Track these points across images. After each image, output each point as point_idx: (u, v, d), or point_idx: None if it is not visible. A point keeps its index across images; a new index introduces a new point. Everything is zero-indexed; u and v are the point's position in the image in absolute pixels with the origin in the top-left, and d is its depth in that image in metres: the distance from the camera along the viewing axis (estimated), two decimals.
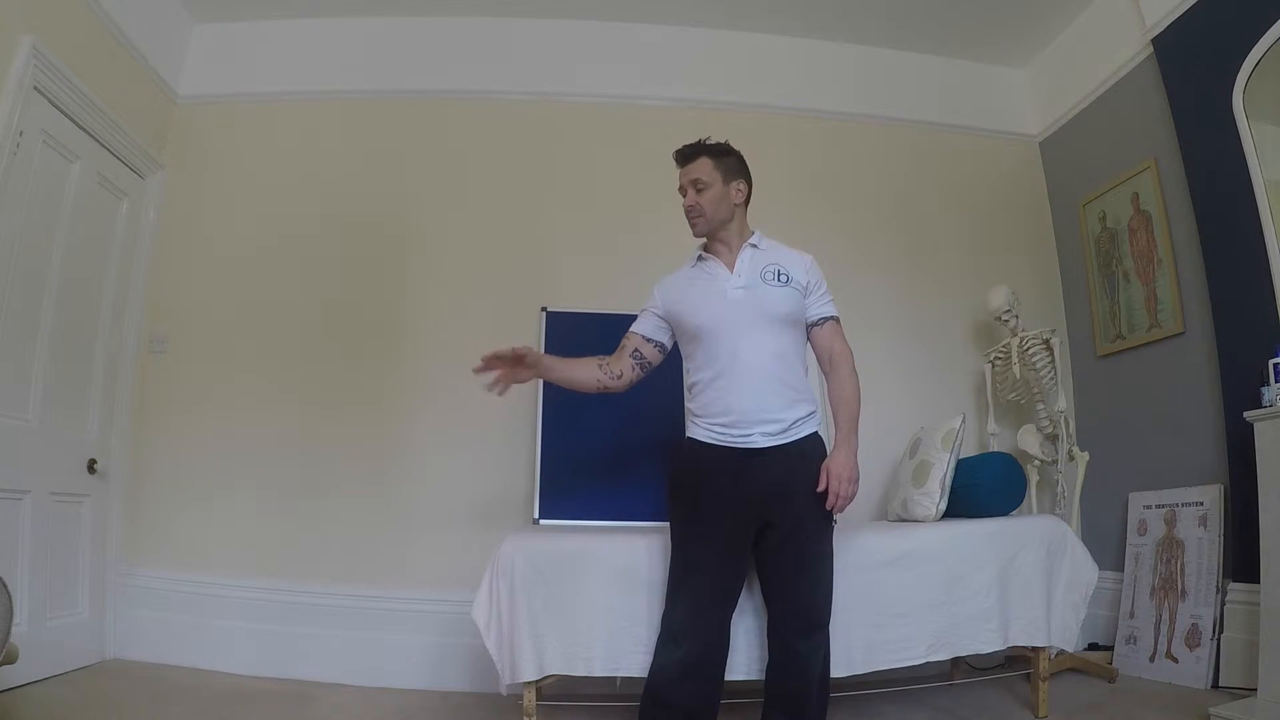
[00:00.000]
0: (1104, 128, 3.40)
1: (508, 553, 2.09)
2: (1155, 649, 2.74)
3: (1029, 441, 3.12)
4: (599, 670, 2.02)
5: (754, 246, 1.97)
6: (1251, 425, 2.34)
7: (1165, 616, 2.75)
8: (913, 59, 3.78)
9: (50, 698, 2.38)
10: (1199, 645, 2.58)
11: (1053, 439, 3.09)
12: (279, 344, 3.20)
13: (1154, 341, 3.10)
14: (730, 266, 1.94)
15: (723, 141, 2.01)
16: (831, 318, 1.97)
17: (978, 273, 3.50)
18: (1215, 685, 2.50)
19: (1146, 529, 2.96)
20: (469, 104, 3.48)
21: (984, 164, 3.75)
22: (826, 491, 1.81)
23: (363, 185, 3.38)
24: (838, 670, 1.98)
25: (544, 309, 3.18)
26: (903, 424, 3.04)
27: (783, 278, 1.91)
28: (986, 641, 2.19)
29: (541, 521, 2.88)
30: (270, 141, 3.43)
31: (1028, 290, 3.43)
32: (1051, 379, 3.07)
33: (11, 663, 1.97)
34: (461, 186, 3.40)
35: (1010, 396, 3.23)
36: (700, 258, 2.01)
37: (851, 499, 1.83)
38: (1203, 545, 2.70)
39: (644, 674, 1.90)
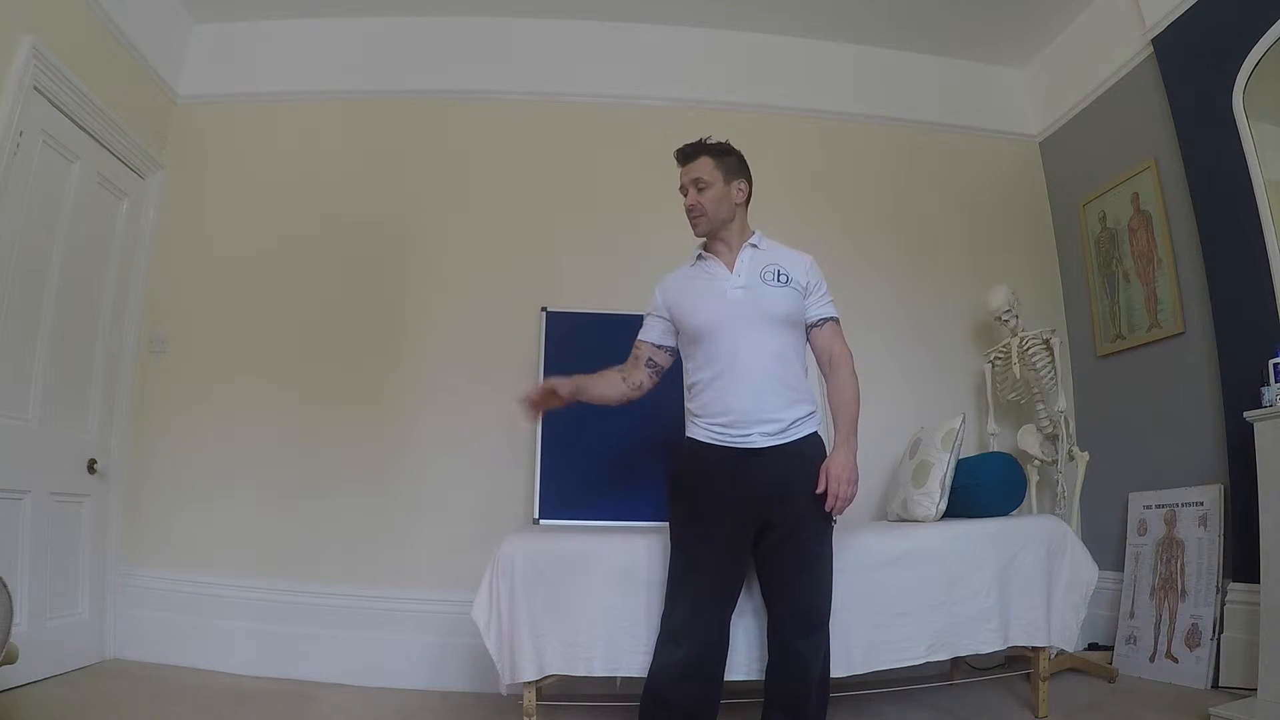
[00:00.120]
0: (1104, 128, 3.40)
1: (508, 553, 2.09)
2: (1155, 649, 2.73)
3: (1029, 441, 3.12)
4: (599, 670, 2.02)
5: (754, 246, 1.96)
6: (1251, 425, 2.33)
7: (1165, 616, 2.75)
8: (913, 59, 3.78)
9: (50, 698, 2.38)
10: (1199, 645, 2.58)
11: (1053, 439, 3.09)
12: (279, 344, 3.20)
13: (1154, 341, 3.09)
14: (730, 266, 1.94)
15: (724, 141, 2.00)
16: (831, 319, 1.96)
17: (978, 273, 3.50)
18: (1215, 685, 2.50)
19: (1146, 529, 2.96)
20: (469, 104, 3.48)
21: (984, 164, 3.75)
22: (826, 493, 1.81)
23: (363, 185, 3.38)
24: (838, 670, 1.98)
25: (544, 309, 3.18)
26: (903, 424, 3.04)
27: (782, 278, 1.91)
28: (986, 641, 2.19)
29: (541, 521, 2.88)
30: (270, 141, 3.43)
31: (1028, 290, 3.43)
32: (1051, 379, 3.07)
33: (11, 663, 1.97)
34: (461, 186, 3.40)
35: (1010, 396, 3.23)
36: (700, 257, 2.01)
37: (850, 500, 1.83)
38: (1203, 545, 2.70)
39: (644, 674, 1.89)
